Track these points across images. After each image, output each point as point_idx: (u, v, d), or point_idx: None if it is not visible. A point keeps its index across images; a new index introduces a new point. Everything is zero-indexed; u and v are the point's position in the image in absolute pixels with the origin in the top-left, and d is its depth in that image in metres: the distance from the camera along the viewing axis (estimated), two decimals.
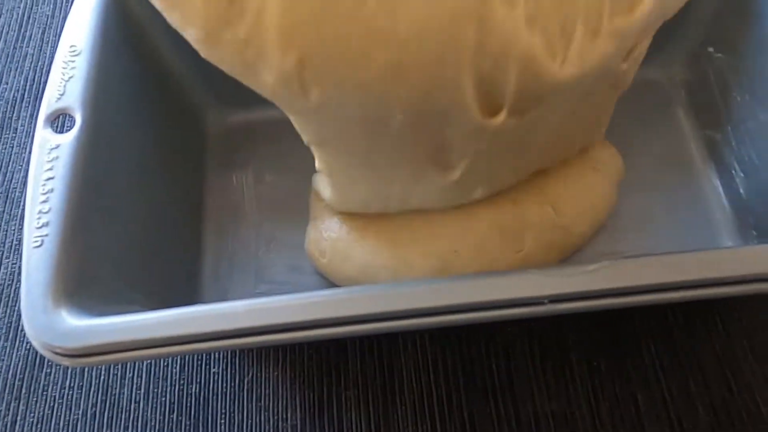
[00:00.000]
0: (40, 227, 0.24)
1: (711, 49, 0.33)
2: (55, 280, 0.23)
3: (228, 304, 0.22)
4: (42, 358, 0.32)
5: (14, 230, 0.35)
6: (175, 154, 0.32)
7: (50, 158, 0.25)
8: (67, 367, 0.31)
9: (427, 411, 0.29)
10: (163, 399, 0.30)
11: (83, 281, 0.24)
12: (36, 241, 0.24)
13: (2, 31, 0.42)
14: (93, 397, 0.31)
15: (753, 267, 0.22)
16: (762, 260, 0.22)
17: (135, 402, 0.30)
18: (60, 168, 0.25)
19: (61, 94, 0.27)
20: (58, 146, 0.26)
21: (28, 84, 0.40)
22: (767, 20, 0.30)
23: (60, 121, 0.27)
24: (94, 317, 0.22)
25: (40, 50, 0.41)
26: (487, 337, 0.31)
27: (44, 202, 0.24)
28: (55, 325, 0.22)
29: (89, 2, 0.29)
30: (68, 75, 0.27)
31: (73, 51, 0.28)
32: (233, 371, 0.31)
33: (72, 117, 0.26)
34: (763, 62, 0.30)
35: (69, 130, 0.26)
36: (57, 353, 0.22)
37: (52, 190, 0.25)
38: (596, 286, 0.22)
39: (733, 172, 0.32)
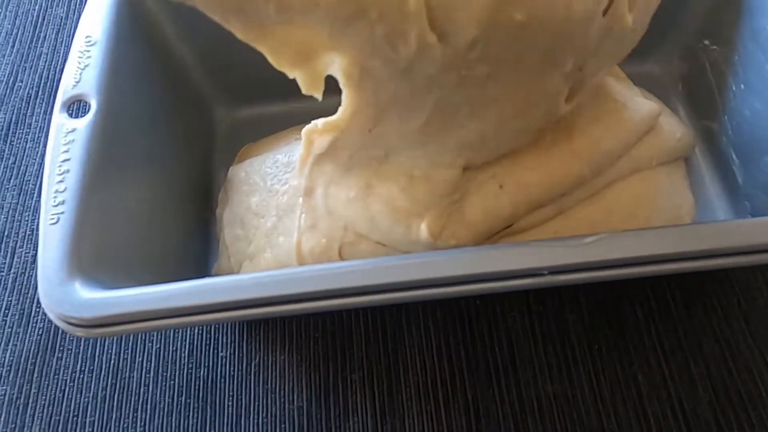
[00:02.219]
0: (56, 205, 0.25)
1: (707, 42, 0.34)
2: (70, 254, 0.24)
3: (236, 277, 0.23)
4: (54, 342, 0.32)
5: (28, 221, 0.36)
6: (185, 143, 0.33)
7: (66, 141, 0.26)
8: (78, 352, 0.32)
9: (431, 393, 0.30)
10: (172, 382, 0.31)
11: (96, 257, 0.24)
12: (52, 219, 0.24)
13: (18, 32, 0.43)
14: (103, 380, 0.31)
15: (748, 239, 0.22)
16: (756, 232, 0.23)
17: (144, 385, 0.31)
18: (75, 150, 0.26)
19: (77, 82, 0.28)
20: (73, 130, 0.27)
21: (43, 82, 0.41)
22: (759, 12, 0.31)
23: (75, 107, 0.28)
24: (107, 290, 0.23)
25: (54, 50, 0.42)
26: (490, 322, 0.31)
27: (60, 182, 0.25)
28: (69, 296, 0.23)
29: None
30: (84, 64, 0.28)
31: (89, 41, 0.29)
32: (241, 355, 0.31)
33: (87, 103, 0.27)
34: (756, 53, 0.31)
35: (84, 115, 0.27)
36: (71, 324, 0.22)
37: (68, 171, 0.25)
38: (595, 257, 0.22)
39: (730, 160, 0.32)
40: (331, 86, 0.23)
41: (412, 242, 0.26)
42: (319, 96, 0.22)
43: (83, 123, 0.27)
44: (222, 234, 0.31)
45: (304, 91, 0.22)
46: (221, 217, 0.32)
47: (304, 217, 0.28)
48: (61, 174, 0.25)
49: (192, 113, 0.35)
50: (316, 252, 0.28)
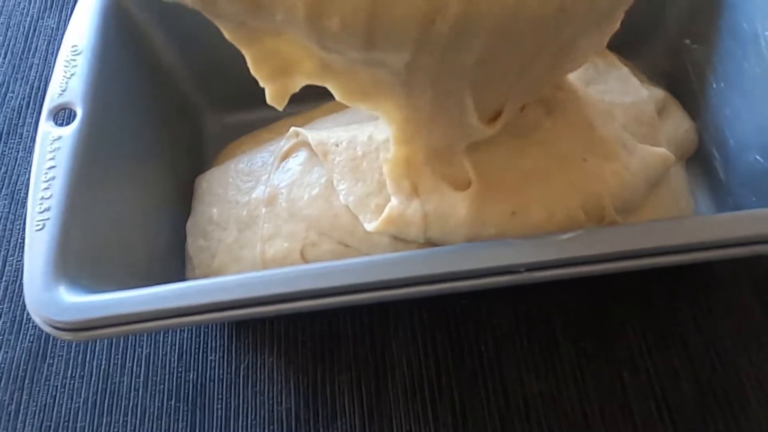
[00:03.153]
0: (41, 212, 0.25)
1: (687, 41, 0.35)
2: (55, 260, 0.24)
3: (220, 279, 0.23)
4: (45, 349, 0.33)
5: (19, 230, 0.37)
6: (173, 149, 0.33)
7: (52, 149, 0.27)
8: (69, 358, 0.32)
9: (417, 393, 0.30)
10: (162, 386, 0.31)
11: (82, 262, 0.25)
12: (38, 225, 0.25)
13: (9, 43, 0.44)
14: (94, 386, 0.31)
15: (727, 232, 0.23)
16: (736, 226, 0.23)
17: (134, 390, 0.31)
18: (61, 158, 0.26)
19: (63, 90, 0.28)
20: (59, 138, 0.27)
21: (33, 92, 0.41)
22: (737, 9, 0.31)
23: (62, 115, 0.28)
24: (93, 294, 0.23)
25: (45, 61, 0.43)
26: (476, 322, 0.32)
27: (46, 189, 0.26)
28: (55, 300, 0.23)
29: (91, 5, 0.30)
30: (70, 72, 0.29)
31: (75, 50, 0.29)
32: (229, 358, 0.32)
33: (73, 111, 0.28)
34: (735, 50, 0.31)
35: (70, 123, 0.28)
36: (57, 328, 0.23)
37: (53, 178, 0.26)
38: (572, 254, 0.22)
39: (712, 157, 0.33)
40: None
41: (374, 244, 0.26)
42: (280, 108, 0.23)
43: (69, 131, 0.27)
44: (186, 244, 0.32)
45: (268, 101, 0.23)
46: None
47: (266, 226, 0.29)
48: (46, 181, 0.26)
49: (180, 120, 0.35)
50: (279, 257, 0.28)
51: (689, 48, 0.34)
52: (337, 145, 0.28)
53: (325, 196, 0.27)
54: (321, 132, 0.30)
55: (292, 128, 0.31)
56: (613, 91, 0.32)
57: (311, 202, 0.28)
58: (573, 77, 0.29)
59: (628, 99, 0.32)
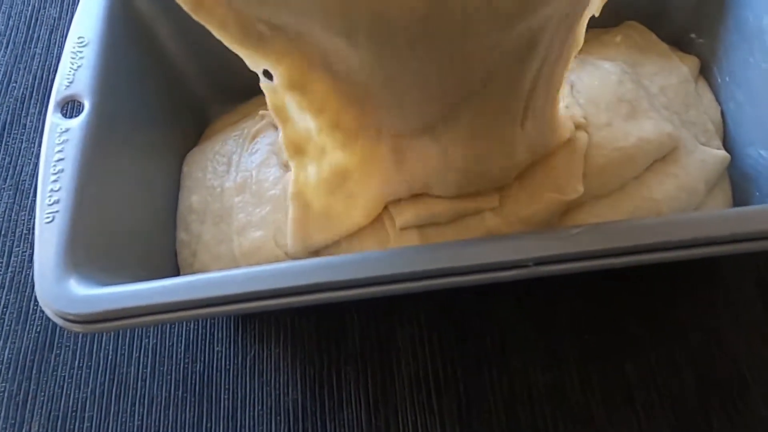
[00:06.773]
0: (51, 204, 0.25)
1: (693, 35, 0.35)
2: (65, 252, 0.24)
3: (230, 272, 0.24)
4: (52, 340, 0.33)
5: (24, 220, 0.37)
6: (179, 141, 0.33)
7: (60, 141, 0.27)
8: (76, 348, 0.32)
9: (423, 384, 0.30)
10: (169, 377, 0.32)
11: (91, 254, 0.25)
12: (47, 218, 0.25)
13: (11, 33, 0.43)
14: (101, 375, 0.32)
15: (733, 228, 0.23)
16: (741, 222, 0.23)
17: (142, 380, 0.32)
18: (69, 150, 0.26)
19: (70, 82, 0.28)
20: (67, 130, 0.27)
21: (37, 82, 0.41)
22: (743, 6, 0.31)
23: (69, 107, 0.28)
24: (103, 286, 0.24)
25: (48, 50, 0.43)
26: (480, 313, 0.32)
27: (55, 181, 0.26)
28: (66, 293, 0.23)
29: None
30: (77, 64, 0.29)
31: (81, 42, 0.29)
32: (236, 349, 0.32)
33: (80, 103, 0.28)
34: (740, 44, 0.31)
35: (78, 115, 0.28)
36: (68, 320, 0.23)
37: (62, 171, 0.26)
38: (580, 248, 0.23)
39: None
40: None
41: None
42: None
43: (77, 123, 0.27)
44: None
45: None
46: None
47: (240, 217, 0.29)
48: (55, 173, 0.26)
49: (186, 111, 0.35)
50: (255, 246, 0.29)
51: (694, 42, 0.35)
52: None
53: (283, 174, 0.28)
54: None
55: (260, 111, 0.32)
56: (659, 72, 0.32)
57: (276, 182, 0.29)
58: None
59: (673, 80, 0.32)
